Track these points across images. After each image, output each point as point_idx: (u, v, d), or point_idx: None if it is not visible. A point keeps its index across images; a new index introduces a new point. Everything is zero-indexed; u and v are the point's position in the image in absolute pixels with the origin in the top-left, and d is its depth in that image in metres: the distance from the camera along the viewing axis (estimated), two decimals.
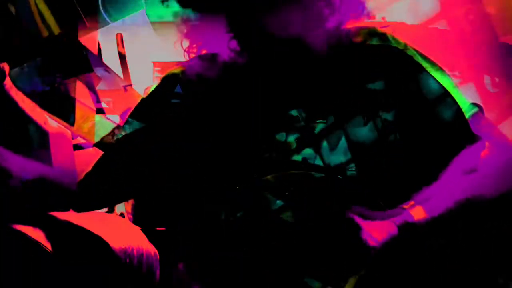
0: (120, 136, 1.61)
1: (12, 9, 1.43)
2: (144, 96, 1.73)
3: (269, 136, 1.52)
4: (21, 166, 1.52)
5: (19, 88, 1.52)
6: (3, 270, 1.48)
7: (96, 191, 1.61)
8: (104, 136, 1.64)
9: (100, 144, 1.63)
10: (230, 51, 1.52)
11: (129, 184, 1.62)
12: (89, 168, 1.61)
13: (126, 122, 1.64)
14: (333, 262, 1.38)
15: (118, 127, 1.65)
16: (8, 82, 1.50)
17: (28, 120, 1.54)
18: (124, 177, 1.60)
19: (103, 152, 1.61)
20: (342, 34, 1.52)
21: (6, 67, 1.47)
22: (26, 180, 1.51)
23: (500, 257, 1.45)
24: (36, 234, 1.50)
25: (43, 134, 1.58)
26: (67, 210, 1.64)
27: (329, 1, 1.47)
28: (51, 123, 1.60)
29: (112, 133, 1.65)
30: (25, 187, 1.51)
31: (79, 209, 1.62)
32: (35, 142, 1.58)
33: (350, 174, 1.48)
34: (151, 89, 1.69)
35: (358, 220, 1.35)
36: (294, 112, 1.53)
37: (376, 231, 1.34)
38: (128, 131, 1.61)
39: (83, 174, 1.61)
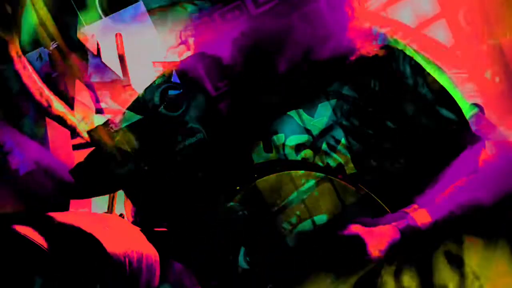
0: (121, 137, 1.62)
1: (9, 8, 1.42)
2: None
3: (268, 136, 1.52)
4: (20, 143, 1.52)
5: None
6: (2, 270, 1.48)
7: (87, 179, 1.62)
8: (98, 126, 1.65)
9: (93, 133, 1.63)
10: (226, 54, 1.52)
11: (120, 175, 1.62)
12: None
13: (122, 114, 1.65)
14: (334, 269, 1.38)
15: (113, 117, 1.65)
16: (16, 51, 1.49)
17: (31, 97, 1.53)
18: (115, 167, 1.61)
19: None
20: (341, 36, 1.52)
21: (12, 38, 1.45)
22: (22, 160, 1.50)
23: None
24: (36, 235, 1.50)
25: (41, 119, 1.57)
26: (59, 197, 1.64)
27: (315, 9, 1.48)
28: (56, 105, 1.59)
29: (106, 123, 1.65)
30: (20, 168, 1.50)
31: (71, 196, 1.63)
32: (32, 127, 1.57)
33: (349, 174, 1.48)
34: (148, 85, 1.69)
35: (360, 230, 1.34)
36: (293, 113, 1.52)
37: (379, 237, 1.33)
38: (123, 123, 1.62)
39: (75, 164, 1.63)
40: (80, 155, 1.72)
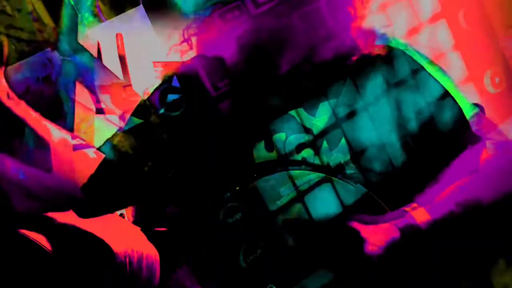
0: (121, 138, 1.61)
1: (8, 9, 1.42)
2: (144, 97, 1.72)
3: (269, 136, 1.52)
4: (20, 171, 1.51)
5: (15, 91, 1.50)
6: (4, 271, 1.48)
7: (101, 195, 1.60)
8: (107, 140, 1.64)
9: (102, 148, 1.62)
10: (225, 54, 1.52)
11: (133, 188, 1.61)
12: (91, 171, 1.60)
13: (126, 124, 1.64)
14: (334, 268, 1.38)
15: (119, 130, 1.64)
16: (3, 88, 1.49)
17: (28, 127, 1.53)
18: (127, 181, 1.59)
19: (104, 155, 1.61)
20: (342, 36, 1.52)
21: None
22: (25, 185, 1.50)
23: (501, 258, 1.45)
24: (37, 235, 1.50)
25: (42, 141, 1.57)
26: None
27: (315, 10, 1.47)
28: (52, 131, 1.59)
29: (114, 136, 1.64)
30: (24, 194, 1.50)
31: (85, 214, 1.60)
32: (34, 146, 1.57)
33: (349, 173, 1.48)
34: (151, 91, 1.68)
35: (359, 227, 1.34)
36: (293, 112, 1.53)
37: (378, 235, 1.34)
38: (128, 133, 1.61)
39: (87, 177, 1.60)
40: (80, 156, 1.71)
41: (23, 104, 1.52)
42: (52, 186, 1.55)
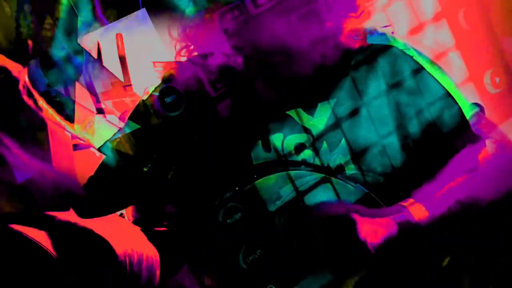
0: (121, 139, 1.61)
1: (8, 10, 1.42)
2: (143, 96, 1.73)
3: (267, 136, 1.52)
4: (23, 160, 1.52)
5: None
6: (3, 271, 1.48)
7: (101, 196, 1.60)
8: (107, 141, 1.64)
9: (103, 148, 1.62)
10: (224, 55, 1.52)
11: (133, 188, 1.61)
12: (91, 172, 1.61)
13: (126, 125, 1.64)
14: (331, 262, 1.38)
15: (119, 130, 1.65)
16: (26, 84, 1.50)
17: (44, 128, 1.54)
18: (128, 182, 1.60)
19: (103, 156, 1.61)
20: (341, 36, 1.52)
21: (22, 70, 1.47)
22: (26, 176, 1.50)
23: (499, 257, 1.45)
24: (37, 234, 1.50)
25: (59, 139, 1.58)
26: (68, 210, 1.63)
27: (313, 10, 1.47)
28: (65, 126, 1.60)
29: (114, 137, 1.64)
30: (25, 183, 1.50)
31: (85, 215, 1.60)
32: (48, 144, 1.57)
33: (349, 174, 1.48)
34: (150, 90, 1.68)
35: (357, 218, 1.35)
36: (292, 113, 1.52)
37: (376, 229, 1.34)
38: (128, 134, 1.61)
39: (87, 178, 1.60)
40: (80, 156, 1.71)
41: (42, 101, 1.53)
42: (55, 180, 1.56)
